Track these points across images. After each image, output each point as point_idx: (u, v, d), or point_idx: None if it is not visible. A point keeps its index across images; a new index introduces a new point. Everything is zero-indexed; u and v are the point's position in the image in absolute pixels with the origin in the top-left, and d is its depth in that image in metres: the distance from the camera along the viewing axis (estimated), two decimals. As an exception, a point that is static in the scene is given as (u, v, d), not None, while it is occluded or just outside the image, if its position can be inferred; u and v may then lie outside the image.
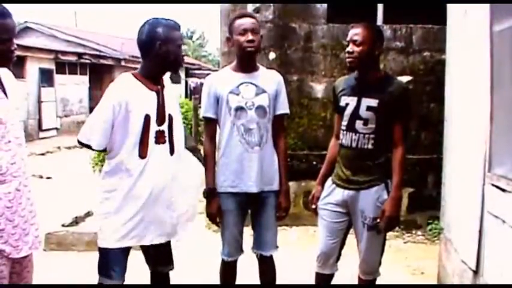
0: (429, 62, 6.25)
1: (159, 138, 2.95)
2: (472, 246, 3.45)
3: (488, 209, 3.24)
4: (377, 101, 3.11)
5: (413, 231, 6.17)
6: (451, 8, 4.50)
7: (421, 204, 6.21)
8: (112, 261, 2.96)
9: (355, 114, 3.17)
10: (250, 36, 3.18)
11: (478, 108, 3.54)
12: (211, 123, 3.35)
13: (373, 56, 3.14)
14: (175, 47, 2.95)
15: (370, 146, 3.16)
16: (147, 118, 2.90)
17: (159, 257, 3.14)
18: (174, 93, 3.23)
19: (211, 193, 3.31)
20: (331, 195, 3.29)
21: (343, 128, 3.24)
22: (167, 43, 2.91)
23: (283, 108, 3.37)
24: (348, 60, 3.15)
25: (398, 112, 3.13)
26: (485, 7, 3.38)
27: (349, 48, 3.13)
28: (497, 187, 3.10)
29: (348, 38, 3.15)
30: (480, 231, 3.36)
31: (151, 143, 2.92)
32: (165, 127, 2.98)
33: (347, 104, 3.21)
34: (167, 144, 2.98)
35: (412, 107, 3.29)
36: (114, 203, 2.92)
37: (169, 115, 3.01)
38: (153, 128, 2.93)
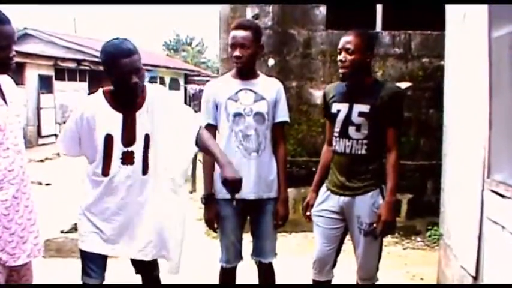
0: (428, 68, 6.26)
1: (126, 159, 2.91)
2: (471, 252, 3.45)
3: (487, 215, 3.24)
4: (368, 106, 3.12)
5: (413, 237, 6.17)
6: (449, 14, 4.51)
7: (420, 210, 6.21)
8: (88, 260, 2.99)
9: (347, 121, 3.17)
10: (236, 52, 3.19)
11: (477, 114, 3.54)
12: (211, 129, 3.35)
13: (365, 63, 3.15)
14: (117, 77, 2.82)
15: (363, 152, 3.16)
16: (108, 138, 2.89)
17: (142, 262, 3.13)
18: (165, 103, 3.03)
19: (208, 199, 3.31)
20: (326, 201, 3.29)
21: (336, 134, 3.24)
22: (108, 71, 2.85)
23: (283, 115, 3.36)
24: (341, 69, 3.15)
25: (390, 116, 3.13)
26: (484, 13, 3.39)
27: (341, 57, 3.13)
28: (496, 193, 3.10)
29: (340, 46, 3.15)
30: (479, 237, 3.36)
31: (116, 163, 2.90)
32: (135, 148, 2.91)
33: (338, 111, 3.22)
34: (138, 165, 2.93)
35: (404, 110, 3.29)
36: (84, 206, 2.98)
37: (146, 135, 2.93)
38: (118, 148, 2.90)
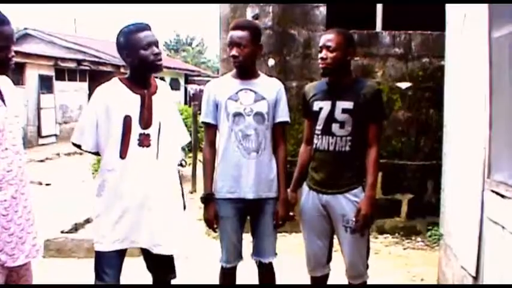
0: (428, 68, 6.25)
1: (143, 141, 2.97)
2: (471, 252, 3.45)
3: (487, 215, 3.24)
4: (352, 103, 3.15)
5: (413, 238, 6.16)
6: (449, 14, 4.51)
7: (420, 210, 6.21)
8: (103, 263, 3.00)
9: (331, 118, 3.19)
10: (233, 52, 3.22)
11: (477, 114, 3.54)
12: (211, 129, 3.36)
13: (346, 61, 3.17)
14: (139, 50, 2.94)
15: (347, 149, 3.18)
16: (127, 119, 2.94)
17: (160, 264, 3.13)
18: (169, 99, 3.23)
19: (208, 198, 3.31)
20: (310, 200, 3.30)
21: (318, 132, 3.25)
22: (129, 50, 2.97)
23: (283, 116, 3.36)
24: (321, 66, 3.18)
25: (372, 113, 3.17)
26: (484, 13, 3.39)
27: (322, 54, 3.17)
28: (497, 193, 3.10)
29: (321, 44, 3.19)
30: (480, 237, 3.36)
31: (134, 145, 2.96)
32: (151, 131, 2.99)
33: (321, 108, 3.23)
34: (153, 148, 3.00)
35: (385, 108, 3.31)
36: (100, 204, 3.00)
37: (159, 120, 3.03)
38: (136, 130, 2.96)
